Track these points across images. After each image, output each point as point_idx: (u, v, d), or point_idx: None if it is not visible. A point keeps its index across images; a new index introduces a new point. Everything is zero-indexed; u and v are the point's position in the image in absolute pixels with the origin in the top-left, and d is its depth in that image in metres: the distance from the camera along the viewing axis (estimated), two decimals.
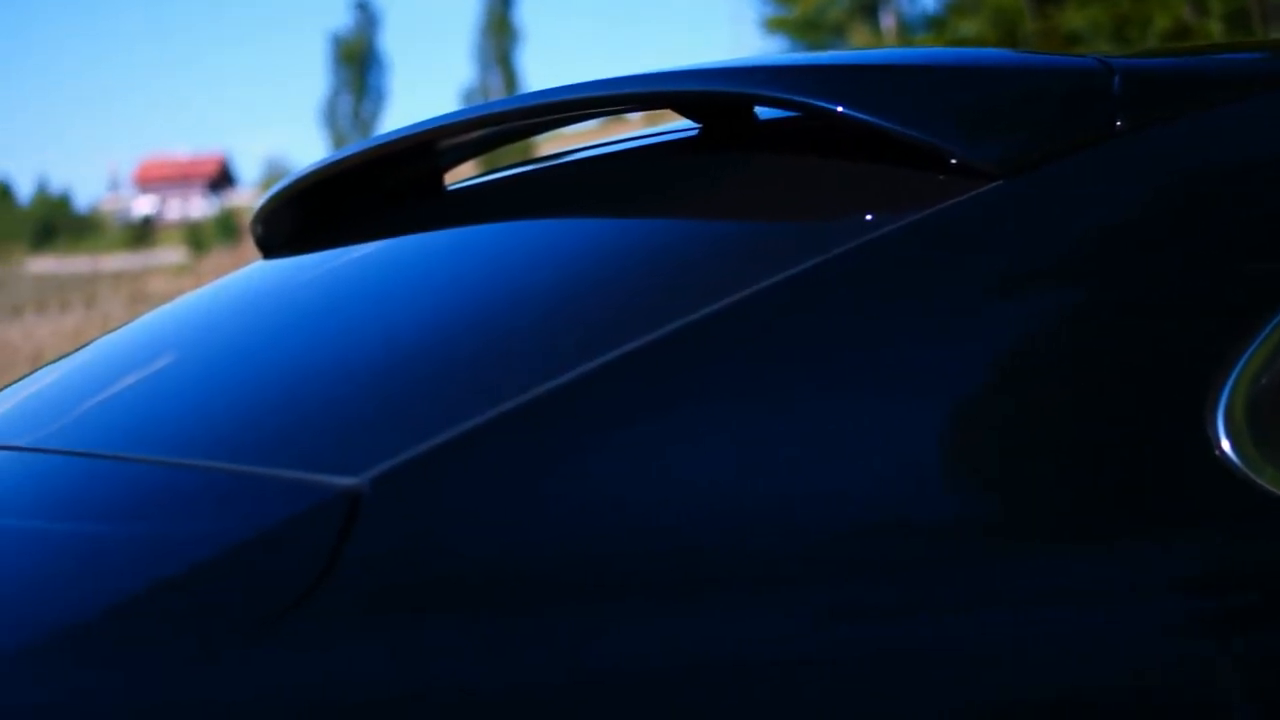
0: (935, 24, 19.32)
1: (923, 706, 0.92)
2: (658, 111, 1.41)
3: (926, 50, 2.11)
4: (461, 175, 1.72)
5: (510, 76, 52.14)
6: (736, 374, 1.00)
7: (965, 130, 1.11)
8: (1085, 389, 1.05)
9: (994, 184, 1.09)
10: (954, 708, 0.93)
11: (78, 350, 1.58)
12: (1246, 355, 1.05)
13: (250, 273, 1.59)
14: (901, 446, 0.99)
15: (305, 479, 0.94)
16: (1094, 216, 1.11)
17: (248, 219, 1.81)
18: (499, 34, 52.61)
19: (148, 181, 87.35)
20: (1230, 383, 1.05)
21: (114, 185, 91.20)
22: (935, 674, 0.93)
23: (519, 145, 1.92)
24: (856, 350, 1.02)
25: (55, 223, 74.29)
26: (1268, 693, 0.99)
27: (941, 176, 1.10)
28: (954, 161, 1.10)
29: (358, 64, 55.71)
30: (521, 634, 0.87)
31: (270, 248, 1.66)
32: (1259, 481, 1.03)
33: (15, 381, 1.55)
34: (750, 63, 1.29)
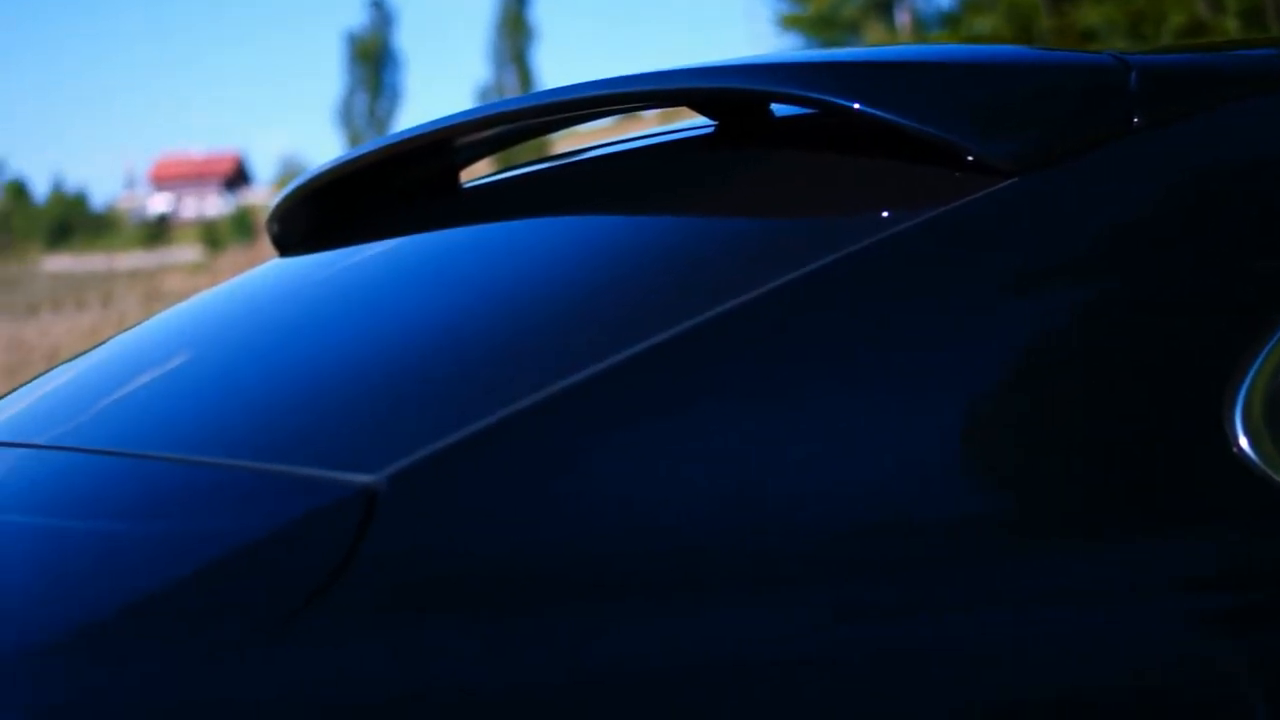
0: (950, 21, 19.30)
1: (926, 707, 0.92)
2: (672, 109, 1.41)
3: (942, 47, 2.11)
4: (476, 173, 1.72)
5: (525, 74, 52.18)
6: (748, 373, 1.00)
7: (981, 127, 1.11)
8: (1100, 386, 1.04)
9: (1010, 181, 1.08)
10: (955, 708, 0.93)
11: (94, 348, 1.58)
12: (1265, 352, 1.05)
13: (266, 271, 1.59)
14: (915, 445, 0.99)
15: (322, 476, 0.94)
16: (1110, 213, 1.10)
17: (263, 217, 1.81)
18: (514, 32, 52.67)
19: (163, 180, 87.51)
20: (1248, 380, 1.04)
21: (130, 184, 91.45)
22: (942, 673, 0.92)
23: (534, 143, 1.92)
24: (869, 348, 1.02)
25: (71, 221, 74.50)
26: None
27: (957, 173, 1.10)
28: (970, 158, 1.10)
29: (373, 62, 55.80)
30: (533, 633, 0.87)
31: (286, 246, 1.67)
32: (1277, 479, 1.02)
33: (32, 380, 1.55)
34: (766, 60, 1.29)
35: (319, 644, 0.85)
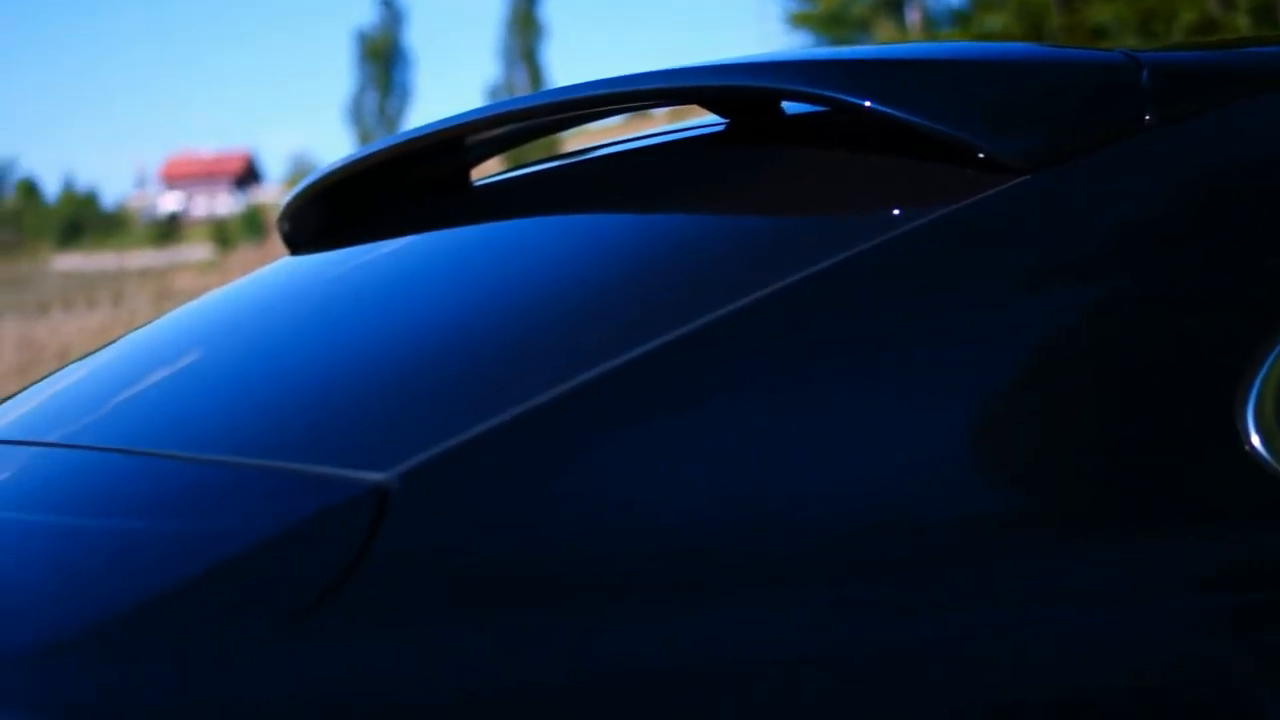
0: (961, 18, 19.28)
1: (926, 707, 0.92)
2: (682, 107, 1.41)
3: (953, 45, 2.11)
4: (487, 171, 1.72)
5: (535, 72, 52.12)
6: (757, 371, 1.00)
7: (992, 125, 1.11)
8: (1111, 385, 1.04)
9: (1021, 178, 1.08)
10: (956, 708, 0.93)
11: (105, 347, 1.58)
12: (1277, 350, 1.05)
13: (277, 269, 1.59)
14: (921, 444, 0.99)
15: (334, 475, 0.94)
16: (1121, 211, 1.10)
17: (274, 215, 1.81)
18: (524, 30, 52.62)
19: (174, 178, 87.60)
20: (1260, 378, 1.04)
21: (140, 182, 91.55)
22: (943, 673, 0.92)
23: (544, 141, 1.92)
24: (879, 347, 1.02)
25: (82, 220, 74.61)
26: None
27: (969, 171, 1.09)
28: (981, 156, 1.09)
29: (383, 60, 55.77)
30: (540, 632, 0.87)
31: (297, 244, 1.67)
32: None
33: (43, 378, 1.56)
34: (777, 58, 1.29)
35: (331, 642, 0.85)
